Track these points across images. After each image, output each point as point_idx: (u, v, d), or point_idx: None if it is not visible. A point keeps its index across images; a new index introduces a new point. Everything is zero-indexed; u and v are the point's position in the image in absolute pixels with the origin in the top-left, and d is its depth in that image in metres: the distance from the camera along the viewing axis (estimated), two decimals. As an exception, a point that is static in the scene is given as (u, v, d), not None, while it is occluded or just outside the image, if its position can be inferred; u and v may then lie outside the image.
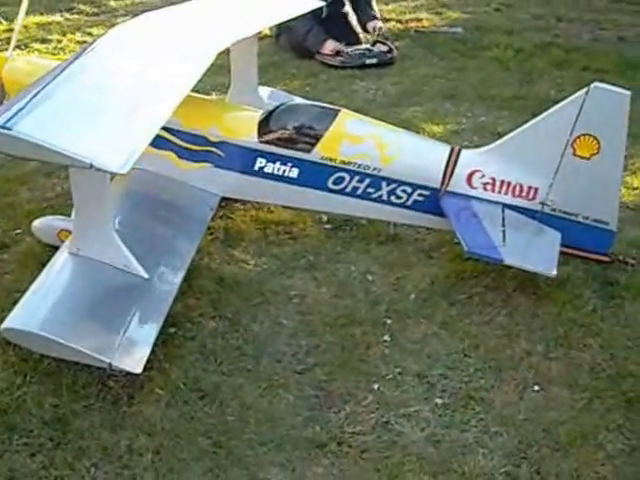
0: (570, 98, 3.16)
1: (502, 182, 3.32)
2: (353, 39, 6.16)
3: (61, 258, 2.84)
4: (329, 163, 3.34)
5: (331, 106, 3.55)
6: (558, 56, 6.19)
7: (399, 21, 6.91)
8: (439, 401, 2.66)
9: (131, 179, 3.37)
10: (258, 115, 3.46)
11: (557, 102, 3.23)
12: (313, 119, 3.44)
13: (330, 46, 5.99)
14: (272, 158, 3.38)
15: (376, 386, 2.70)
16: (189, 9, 3.72)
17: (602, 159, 3.15)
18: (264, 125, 3.42)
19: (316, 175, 3.37)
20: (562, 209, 3.27)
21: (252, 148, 3.39)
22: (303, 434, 2.51)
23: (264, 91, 4.42)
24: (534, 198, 3.30)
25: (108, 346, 2.50)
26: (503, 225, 3.21)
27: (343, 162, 3.33)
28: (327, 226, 3.62)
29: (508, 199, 3.32)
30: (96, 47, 2.86)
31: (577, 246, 3.33)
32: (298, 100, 4.34)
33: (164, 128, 3.34)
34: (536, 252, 3.15)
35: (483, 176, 3.32)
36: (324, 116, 3.43)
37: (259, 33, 4.04)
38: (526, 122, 3.28)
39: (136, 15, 3.43)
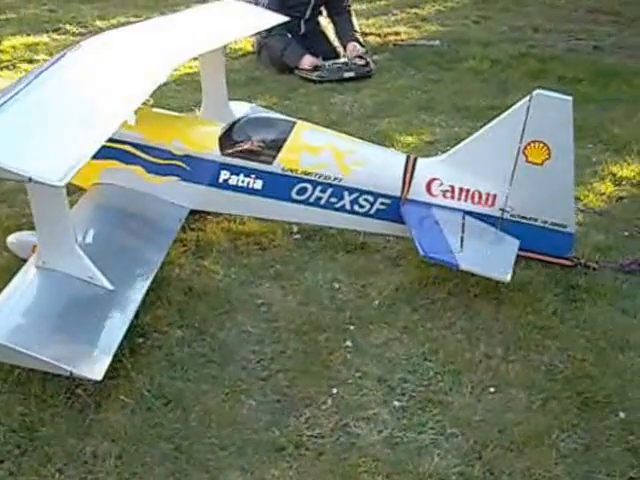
0: (516, 105, 3.24)
1: (461, 189, 3.40)
2: (331, 54, 6.25)
3: (27, 271, 2.91)
4: (291, 174, 3.42)
5: (288, 118, 3.63)
6: (534, 66, 6.28)
7: (378, 35, 7.01)
8: (398, 404, 2.72)
9: (101, 194, 3.46)
10: (220, 128, 3.54)
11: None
12: (272, 131, 3.53)
13: (308, 61, 6.07)
14: (236, 170, 3.46)
15: (336, 390, 2.76)
16: (151, 26, 3.82)
17: (554, 164, 3.23)
18: (226, 138, 3.50)
19: (279, 186, 3.45)
20: (521, 214, 3.35)
21: (215, 161, 3.47)
22: (264, 438, 2.58)
23: (242, 107, 4.51)
24: (493, 205, 3.38)
25: (70, 355, 2.57)
26: (462, 231, 3.29)
27: (305, 173, 3.41)
28: (296, 236, 3.69)
29: (468, 206, 3.39)
30: (52, 65, 2.95)
31: (539, 250, 3.40)
32: (260, 110, 4.42)
33: (130, 144, 3.45)
34: (493, 258, 3.22)
35: (442, 184, 3.40)
36: (282, 128, 3.52)
37: (224, 49, 4.12)
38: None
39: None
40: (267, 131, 3.52)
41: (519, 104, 3.22)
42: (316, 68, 6.06)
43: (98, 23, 7.38)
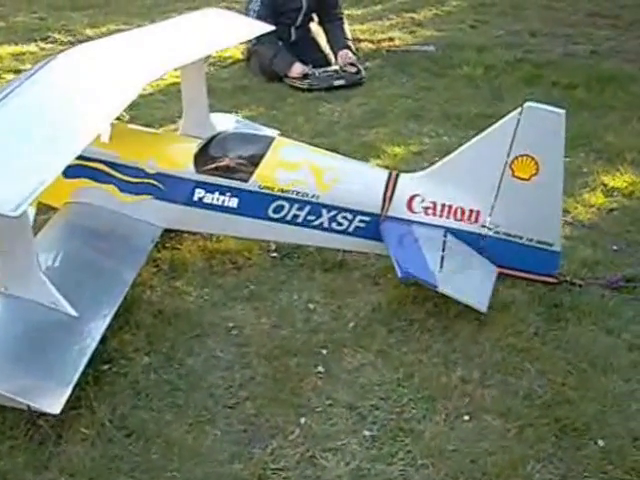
0: (505, 118, 3.15)
1: (443, 206, 3.30)
2: (322, 61, 6.15)
3: None
4: (267, 192, 3.33)
5: (266, 134, 3.55)
6: (529, 72, 6.17)
7: (371, 41, 6.90)
8: (368, 433, 2.62)
9: (72, 213, 3.38)
10: (195, 145, 3.46)
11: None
12: (249, 148, 3.44)
13: (297, 69, 5.98)
14: (211, 188, 3.37)
15: (304, 420, 2.66)
16: (132, 37, 3.73)
17: (542, 180, 3.13)
18: (201, 155, 3.41)
19: (255, 204, 3.36)
20: (505, 231, 3.24)
21: (190, 179, 3.38)
22: (227, 471, 2.49)
23: (225, 119, 4.43)
24: (476, 221, 3.28)
25: (27, 387, 2.49)
26: (443, 250, 3.19)
27: (281, 190, 3.32)
28: (274, 254, 3.60)
29: (450, 223, 3.29)
30: (20, 81, 2.86)
31: (523, 268, 3.30)
32: (242, 123, 4.34)
33: (104, 162, 3.36)
34: (471, 283, 3.12)
35: (423, 200, 3.30)
36: (259, 144, 3.43)
37: (205, 60, 4.03)
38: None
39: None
40: (244, 147, 3.44)
41: (508, 116, 3.12)
42: (306, 76, 5.97)
43: (88, 32, 7.31)
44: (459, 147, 3.32)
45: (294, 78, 6.00)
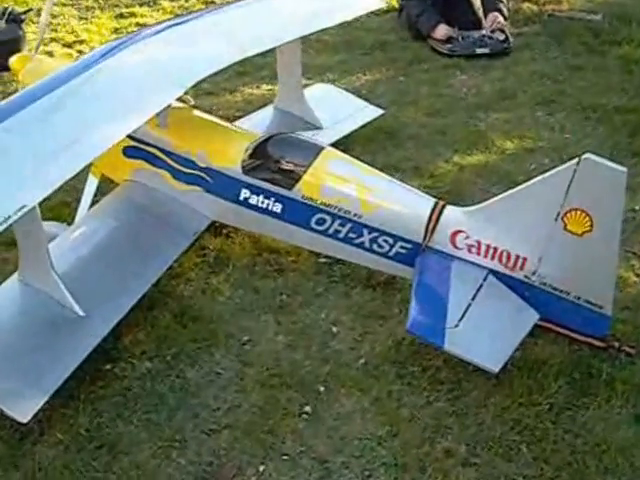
0: (561, 167, 2.80)
1: (488, 246, 3.03)
2: (471, 25, 5.72)
3: (9, 281, 2.97)
4: (310, 203, 3.21)
5: (317, 142, 3.37)
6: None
7: (537, 2, 6.31)
8: (325, 495, 2.54)
9: (126, 190, 3.47)
10: (245, 144, 3.37)
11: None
12: (296, 155, 3.30)
13: (441, 32, 5.65)
14: (256, 191, 3.30)
15: (264, 467, 2.61)
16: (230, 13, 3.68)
17: (595, 238, 2.79)
18: (249, 156, 3.33)
19: (298, 213, 3.25)
20: (552, 284, 2.95)
21: (237, 179, 3.32)
22: (174, 506, 2.51)
23: (323, 93, 4.32)
24: (522, 268, 2.99)
25: (5, 390, 2.61)
26: (474, 296, 2.95)
27: (324, 204, 3.18)
28: (322, 260, 3.49)
29: (495, 265, 3.03)
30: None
31: (566, 325, 3.00)
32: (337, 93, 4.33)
33: (158, 148, 3.39)
34: (493, 337, 2.86)
35: (468, 237, 3.05)
36: (307, 153, 3.28)
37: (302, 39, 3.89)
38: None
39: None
40: (292, 154, 3.30)
41: (565, 166, 2.79)
42: (449, 40, 5.62)
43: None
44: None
45: (437, 40, 5.68)
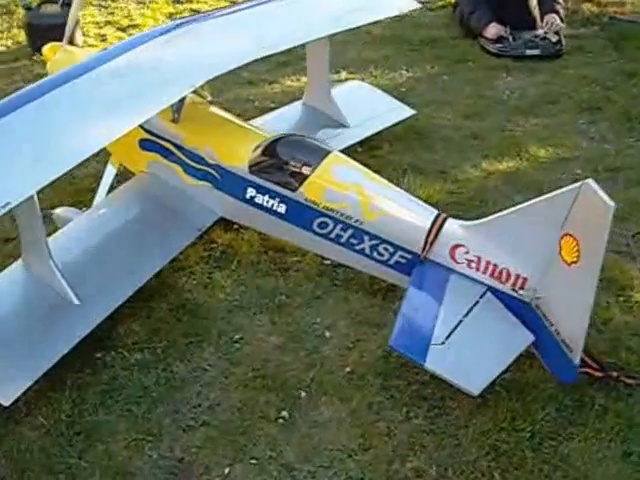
0: (565, 189, 2.71)
1: (488, 263, 2.96)
2: (525, 24, 5.57)
3: (14, 265, 3.06)
4: (312, 206, 3.20)
5: (323, 145, 3.35)
6: None
7: (598, 3, 6.09)
8: (286, 503, 2.55)
9: (139, 182, 3.52)
10: (254, 144, 3.37)
11: None
12: (302, 158, 3.27)
13: (492, 30, 5.53)
14: (262, 190, 3.31)
15: (229, 470, 2.62)
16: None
17: (580, 271, 2.66)
18: (257, 155, 3.32)
19: (302, 215, 3.24)
20: (543, 311, 2.87)
21: (243, 177, 3.33)
22: (138, 498, 2.55)
23: (352, 90, 4.30)
24: (522, 288, 2.92)
25: None
26: (466, 313, 2.89)
27: (326, 208, 3.17)
28: (326, 262, 3.48)
29: (493, 283, 2.96)
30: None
31: (543, 359, 2.92)
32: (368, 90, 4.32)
33: (171, 142, 3.43)
34: (480, 358, 2.79)
35: (468, 252, 2.99)
36: (313, 156, 3.26)
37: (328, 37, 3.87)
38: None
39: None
40: (298, 156, 3.29)
41: (569, 188, 2.69)
42: (500, 39, 5.49)
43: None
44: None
45: (487, 39, 5.55)
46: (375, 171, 3.32)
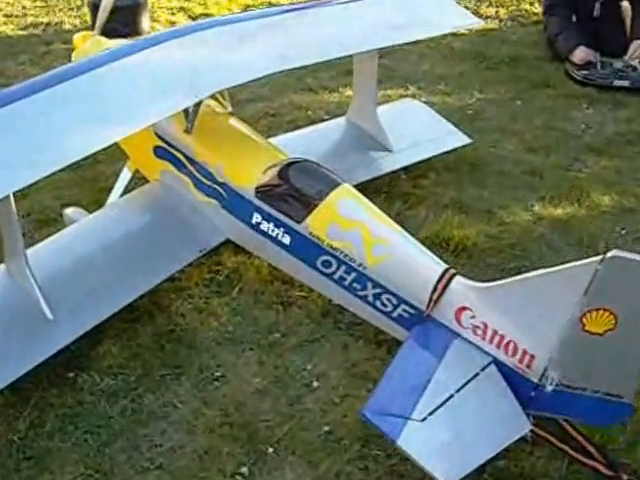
0: (581, 262, 2.37)
1: (494, 332, 2.65)
2: (619, 50, 5.10)
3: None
4: (316, 241, 2.94)
5: (334, 176, 3.07)
6: None
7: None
8: None
9: (149, 191, 3.35)
10: (264, 165, 3.13)
11: None
12: (311, 188, 3.02)
13: (579, 55, 5.10)
14: (267, 217, 3.08)
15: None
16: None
17: (619, 334, 2.36)
18: (265, 178, 3.09)
19: (306, 249, 3.00)
20: (566, 384, 2.54)
21: (249, 200, 3.11)
22: None
23: (401, 111, 4.03)
24: (529, 366, 2.59)
25: None
26: (462, 386, 2.59)
27: (330, 246, 2.91)
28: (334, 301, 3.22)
29: (499, 355, 2.65)
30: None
31: (581, 417, 2.62)
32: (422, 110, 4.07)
33: (182, 153, 3.25)
34: (464, 443, 2.47)
35: (474, 317, 2.68)
36: (321, 187, 3.00)
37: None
38: None
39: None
40: (306, 186, 3.04)
41: (585, 262, 2.36)
42: (587, 65, 5.04)
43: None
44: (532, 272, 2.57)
45: (573, 64, 5.12)
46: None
